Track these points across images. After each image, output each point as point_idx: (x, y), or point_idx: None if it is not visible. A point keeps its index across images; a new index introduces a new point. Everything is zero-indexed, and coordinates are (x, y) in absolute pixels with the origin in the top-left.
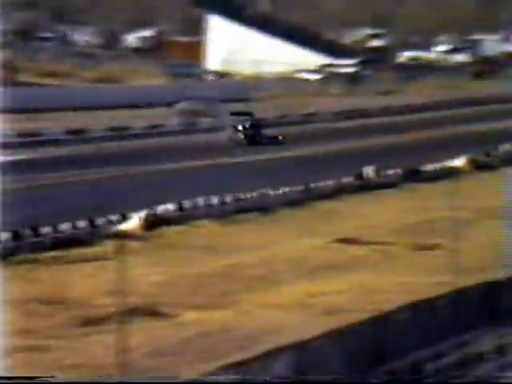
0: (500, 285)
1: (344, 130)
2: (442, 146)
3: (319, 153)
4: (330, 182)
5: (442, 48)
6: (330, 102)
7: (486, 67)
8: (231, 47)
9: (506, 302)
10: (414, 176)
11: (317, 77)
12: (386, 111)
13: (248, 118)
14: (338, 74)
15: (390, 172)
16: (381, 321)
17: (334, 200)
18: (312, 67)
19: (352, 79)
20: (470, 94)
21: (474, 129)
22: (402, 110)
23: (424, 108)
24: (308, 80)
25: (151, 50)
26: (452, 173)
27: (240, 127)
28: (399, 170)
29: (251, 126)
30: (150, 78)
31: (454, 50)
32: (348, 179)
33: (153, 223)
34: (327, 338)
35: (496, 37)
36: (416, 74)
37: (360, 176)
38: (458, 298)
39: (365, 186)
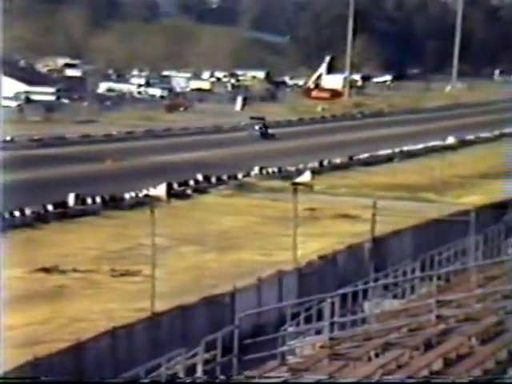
0: (189, 308)
1: (42, 157)
2: (141, 175)
3: (15, 180)
4: (28, 211)
5: (137, 81)
6: (28, 128)
7: (179, 101)
8: None
9: (197, 326)
10: (115, 203)
11: (14, 104)
12: (85, 140)
13: (261, 121)
14: (36, 102)
15: (91, 199)
16: (78, 349)
17: (35, 228)
18: (8, 94)
19: (48, 107)
20: (165, 125)
21: (171, 159)
22: (100, 139)
23: (122, 138)
24: (5, 107)
25: None
26: (151, 201)
27: (256, 128)
28: (99, 198)
29: (263, 127)
30: None
31: (148, 84)
32: (49, 207)
33: None
34: (19, 371)
35: (187, 74)
36: (113, 104)
37: (62, 204)
38: (152, 324)
39: (66, 214)
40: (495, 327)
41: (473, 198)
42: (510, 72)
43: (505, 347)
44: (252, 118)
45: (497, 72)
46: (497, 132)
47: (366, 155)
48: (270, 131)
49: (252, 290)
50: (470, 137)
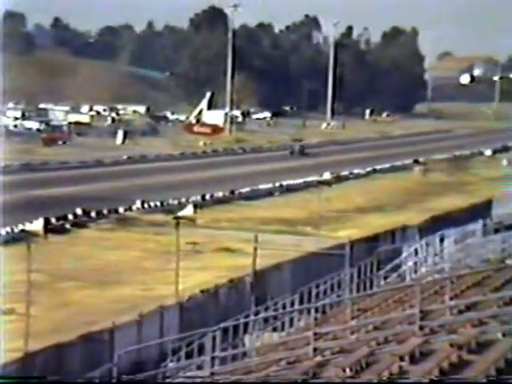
0: (65, 346)
1: None
2: (17, 209)
3: None
4: None
5: (13, 114)
6: None
7: (57, 135)
8: None
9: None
10: None
11: None
12: None
13: (300, 142)
14: None
15: None
16: None
17: None
18: None
19: None
20: (42, 159)
21: (49, 193)
22: None
23: None
24: None
25: None
26: (27, 236)
27: (297, 147)
28: None
29: (301, 146)
30: None
31: (24, 117)
32: None
33: None
34: None
35: (65, 107)
36: None
37: None
38: (25, 365)
39: None
40: (367, 358)
41: (348, 232)
42: (379, 112)
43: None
44: (294, 139)
45: (368, 111)
46: (369, 168)
47: (247, 189)
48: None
49: (132, 326)
50: (345, 172)
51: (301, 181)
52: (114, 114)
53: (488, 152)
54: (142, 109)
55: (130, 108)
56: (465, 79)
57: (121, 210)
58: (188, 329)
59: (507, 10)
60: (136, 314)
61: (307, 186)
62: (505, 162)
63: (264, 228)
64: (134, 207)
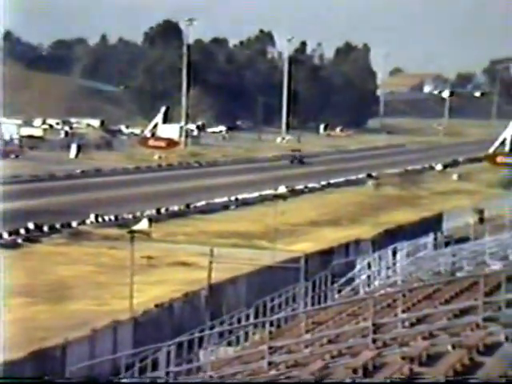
0: (15, 363)
1: None
2: None
3: None
4: None
5: None
6: None
7: (9, 148)
8: None
9: None
10: None
11: None
12: None
13: (299, 152)
14: None
15: None
16: None
17: None
18: None
19: None
20: None
21: None
22: None
23: None
24: None
25: None
26: None
27: (297, 156)
28: None
29: (300, 156)
30: None
31: None
32: None
33: None
34: None
35: (17, 120)
36: None
37: None
38: None
39: None
40: (321, 371)
41: (303, 245)
42: (333, 126)
43: None
44: (294, 150)
45: (322, 126)
46: (324, 182)
47: (202, 203)
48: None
49: (85, 342)
50: (300, 186)
51: (256, 194)
52: (67, 128)
53: (439, 167)
54: (96, 122)
55: (84, 121)
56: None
57: (74, 224)
58: (142, 344)
59: (454, 29)
60: (89, 329)
61: (263, 199)
62: (455, 177)
63: (220, 242)
64: (87, 221)
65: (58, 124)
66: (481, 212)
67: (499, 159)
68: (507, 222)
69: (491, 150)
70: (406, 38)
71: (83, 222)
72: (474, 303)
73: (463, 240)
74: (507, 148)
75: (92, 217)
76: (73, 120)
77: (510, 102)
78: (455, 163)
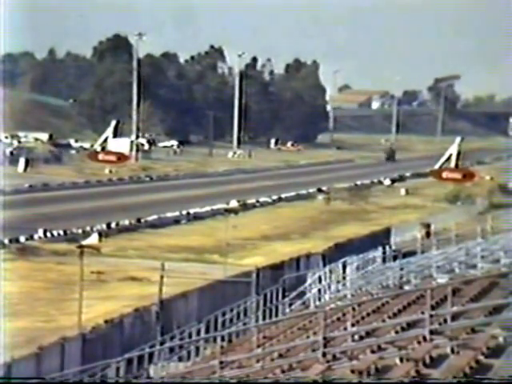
0: None
1: None
2: None
3: None
4: None
5: None
6: None
7: None
8: None
9: None
10: None
11: None
12: None
13: None
14: None
15: None
16: None
17: None
18: None
19: None
20: None
21: None
22: None
23: None
24: None
25: None
26: None
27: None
28: None
29: None
30: None
31: None
32: None
33: None
34: None
35: None
36: None
37: None
38: None
39: None
40: None
41: (254, 260)
42: (284, 141)
43: None
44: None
45: (273, 141)
46: (275, 196)
47: (153, 217)
48: None
49: (31, 360)
50: (252, 200)
51: (208, 208)
52: (14, 142)
53: (387, 181)
54: (44, 136)
55: (32, 135)
56: None
57: (22, 239)
58: (90, 361)
59: (400, 47)
60: (35, 347)
61: (214, 213)
62: (403, 191)
63: (171, 256)
64: (35, 236)
65: (6, 138)
66: (427, 226)
67: (445, 174)
68: (453, 236)
69: (437, 166)
70: (354, 55)
71: (31, 237)
72: (421, 316)
73: (410, 254)
74: (452, 164)
75: (40, 232)
76: (21, 134)
77: (454, 119)
78: (402, 178)
